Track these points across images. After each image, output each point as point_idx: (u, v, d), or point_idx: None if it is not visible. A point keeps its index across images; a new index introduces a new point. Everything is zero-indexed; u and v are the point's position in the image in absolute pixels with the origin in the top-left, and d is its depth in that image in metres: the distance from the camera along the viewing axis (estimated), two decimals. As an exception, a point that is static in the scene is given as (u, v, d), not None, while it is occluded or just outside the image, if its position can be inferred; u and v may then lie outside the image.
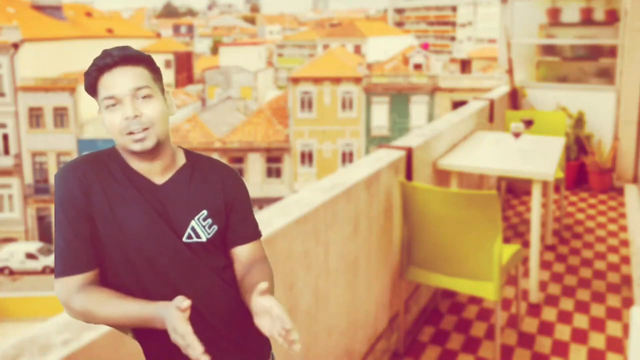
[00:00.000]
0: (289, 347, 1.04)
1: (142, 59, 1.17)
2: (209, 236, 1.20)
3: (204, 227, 1.19)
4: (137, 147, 1.14)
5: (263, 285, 1.08)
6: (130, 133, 1.13)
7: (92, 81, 1.15)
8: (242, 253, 1.25)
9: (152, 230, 1.14)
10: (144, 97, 1.15)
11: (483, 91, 14.71)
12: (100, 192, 1.14)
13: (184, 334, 0.99)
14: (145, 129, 1.14)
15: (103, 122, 1.16)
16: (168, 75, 34.30)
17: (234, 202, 1.25)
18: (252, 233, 1.28)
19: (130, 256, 1.14)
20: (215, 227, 1.21)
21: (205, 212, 1.20)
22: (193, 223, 1.18)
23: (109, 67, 1.14)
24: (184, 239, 1.17)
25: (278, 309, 1.04)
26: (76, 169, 1.15)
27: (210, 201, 1.22)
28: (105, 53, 1.15)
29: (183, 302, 1.00)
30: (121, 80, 1.13)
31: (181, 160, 1.24)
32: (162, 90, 1.21)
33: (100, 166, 1.17)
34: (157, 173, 1.19)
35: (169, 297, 1.12)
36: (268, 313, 1.05)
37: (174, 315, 1.00)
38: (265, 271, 1.24)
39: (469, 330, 3.16)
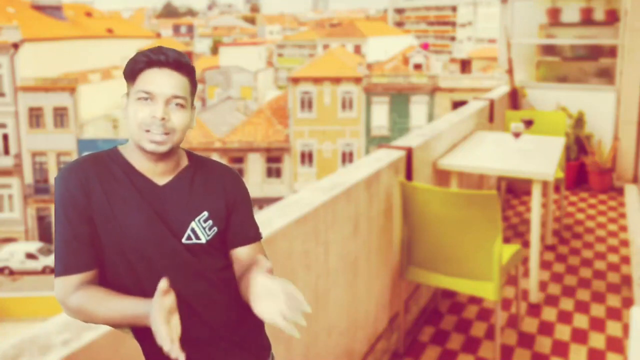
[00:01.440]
0: (291, 332, 1.02)
1: (190, 71, 1.19)
2: (208, 238, 1.20)
3: (204, 228, 1.19)
4: (151, 147, 1.14)
5: (267, 263, 1.08)
6: (148, 131, 1.14)
7: (136, 70, 1.15)
8: (242, 254, 1.26)
9: (151, 231, 1.15)
10: (177, 105, 1.16)
11: (483, 91, 14.70)
12: (100, 192, 1.14)
13: (155, 320, 0.96)
14: (167, 134, 1.15)
15: (125, 110, 1.16)
16: (168, 75, 34.23)
17: (235, 204, 1.25)
18: (253, 235, 1.28)
19: (129, 257, 1.14)
20: (215, 228, 1.21)
21: (206, 213, 1.20)
22: (193, 224, 1.18)
23: (160, 64, 1.15)
24: (183, 240, 1.17)
25: (291, 286, 1.04)
26: (77, 169, 1.15)
27: (212, 203, 1.22)
28: (161, 50, 1.16)
29: (162, 284, 0.99)
30: (165, 82, 1.14)
31: (184, 161, 1.24)
32: (192, 104, 1.22)
33: (101, 166, 1.17)
34: (159, 174, 1.19)
35: None
36: (271, 294, 1.05)
37: (154, 304, 0.99)
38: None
39: (469, 330, 3.16)
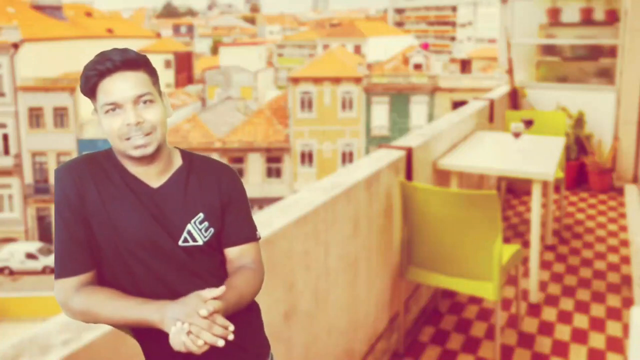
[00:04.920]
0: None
1: (141, 63, 1.16)
2: (205, 239, 1.19)
3: (200, 230, 1.18)
4: (137, 153, 1.13)
5: (208, 293, 1.07)
6: (129, 139, 1.12)
7: (91, 86, 1.13)
8: (233, 255, 1.23)
9: (148, 234, 1.14)
10: (145, 102, 1.14)
11: (483, 91, 14.69)
12: (95, 194, 1.14)
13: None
14: (148, 134, 1.13)
15: (101, 126, 1.15)
16: (168, 75, 34.31)
17: (230, 202, 1.23)
18: (246, 235, 1.25)
19: (125, 258, 1.14)
20: (212, 229, 1.20)
21: (201, 215, 1.19)
22: (189, 227, 1.17)
23: (109, 72, 1.12)
24: (180, 243, 1.16)
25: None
26: (72, 170, 1.14)
27: (207, 203, 1.20)
28: (105, 57, 1.12)
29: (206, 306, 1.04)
30: (123, 86, 1.12)
31: (177, 161, 1.23)
32: (160, 92, 1.19)
33: (96, 168, 1.16)
34: (153, 176, 1.18)
35: (164, 299, 1.12)
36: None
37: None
38: (247, 276, 1.21)
39: (469, 330, 3.16)
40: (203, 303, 1.04)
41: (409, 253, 2.94)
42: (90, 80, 1.12)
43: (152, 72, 1.18)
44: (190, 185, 1.21)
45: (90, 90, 1.13)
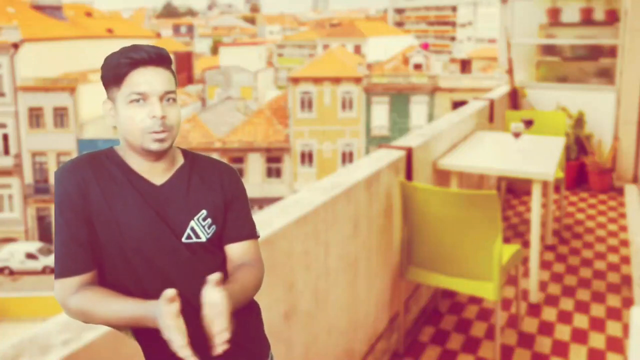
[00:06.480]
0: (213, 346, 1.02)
1: (170, 63, 1.19)
2: (208, 236, 1.20)
3: (203, 227, 1.19)
4: (155, 146, 1.14)
5: (215, 275, 1.06)
6: (150, 132, 1.13)
7: (122, 73, 1.13)
8: (234, 251, 1.24)
9: (151, 231, 1.14)
10: (169, 100, 1.16)
11: (483, 91, 14.69)
12: (98, 193, 1.14)
13: (167, 326, 0.98)
14: (166, 131, 1.14)
15: (117, 114, 1.15)
16: (168, 75, 34.23)
17: (232, 200, 1.25)
18: (247, 232, 1.27)
19: (129, 257, 1.14)
20: (214, 227, 1.21)
21: (204, 212, 1.20)
22: (192, 223, 1.18)
23: (144, 62, 1.13)
24: (183, 240, 1.17)
25: (223, 307, 1.04)
26: (74, 169, 1.15)
27: (210, 201, 1.22)
28: (139, 47, 1.14)
29: (168, 292, 1.00)
30: (155, 80, 1.13)
31: (179, 160, 1.24)
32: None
33: (98, 166, 1.16)
34: (156, 174, 1.19)
35: None
36: (214, 306, 1.04)
37: (162, 309, 1.00)
38: (250, 272, 1.22)
39: (469, 330, 3.16)
40: (169, 306, 1.02)
41: (409, 253, 2.94)
42: (122, 68, 1.12)
43: (174, 75, 1.21)
44: (192, 182, 1.22)
45: (117, 77, 1.13)
